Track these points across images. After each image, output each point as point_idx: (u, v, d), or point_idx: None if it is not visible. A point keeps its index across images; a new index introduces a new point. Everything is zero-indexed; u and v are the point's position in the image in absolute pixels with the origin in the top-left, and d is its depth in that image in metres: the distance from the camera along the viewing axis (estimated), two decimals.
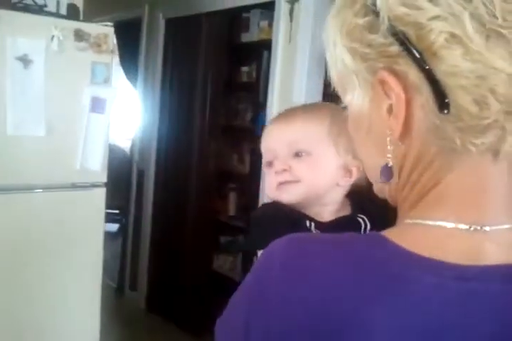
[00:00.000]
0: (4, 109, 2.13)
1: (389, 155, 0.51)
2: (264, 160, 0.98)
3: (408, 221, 0.50)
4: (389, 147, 0.50)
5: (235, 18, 3.43)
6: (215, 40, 3.39)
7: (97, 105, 2.30)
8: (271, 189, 0.94)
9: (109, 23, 2.33)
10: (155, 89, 3.69)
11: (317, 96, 2.61)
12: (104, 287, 2.65)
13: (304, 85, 2.57)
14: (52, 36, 2.16)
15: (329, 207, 0.95)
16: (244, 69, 3.46)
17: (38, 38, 2.17)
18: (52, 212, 2.30)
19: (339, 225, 0.92)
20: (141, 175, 3.82)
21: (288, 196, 0.92)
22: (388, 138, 0.50)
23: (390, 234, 0.49)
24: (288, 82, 2.67)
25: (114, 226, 5.14)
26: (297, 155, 0.93)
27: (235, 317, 0.51)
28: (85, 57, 2.28)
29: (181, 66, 3.61)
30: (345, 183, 0.95)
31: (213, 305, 3.42)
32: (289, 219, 0.89)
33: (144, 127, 3.79)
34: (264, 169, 0.98)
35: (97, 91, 2.30)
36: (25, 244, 2.26)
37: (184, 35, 3.58)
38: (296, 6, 2.65)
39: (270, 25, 3.06)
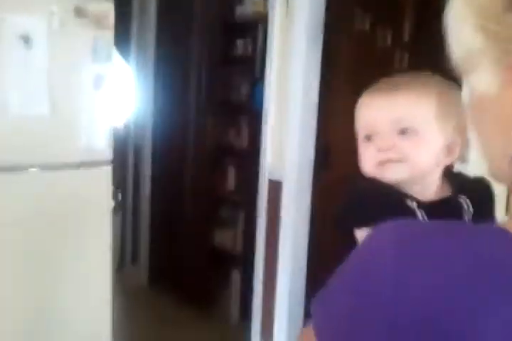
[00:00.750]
0: (6, 88, 2.11)
1: None
2: (361, 133, 0.92)
3: None
4: None
5: None
6: (209, 13, 3.34)
7: (99, 82, 2.28)
8: (371, 166, 0.90)
9: None
10: (148, 65, 3.65)
11: (316, 68, 2.60)
12: None
13: (303, 58, 2.55)
14: (53, 13, 2.12)
15: (430, 186, 0.91)
16: (240, 42, 3.42)
17: (38, 15, 2.13)
18: (59, 192, 2.30)
19: (442, 206, 0.89)
20: (137, 151, 3.81)
21: (391, 175, 0.88)
22: None
23: (510, 226, 0.45)
24: (285, 55, 2.64)
25: None
26: (402, 132, 0.88)
27: (338, 307, 0.48)
28: (87, 34, 2.25)
29: (175, 41, 3.56)
30: (448, 162, 0.92)
31: (215, 279, 3.46)
32: (391, 197, 0.86)
33: (138, 104, 3.77)
34: (361, 143, 0.92)
35: (99, 68, 2.28)
36: (35, 222, 2.25)
37: (177, 7, 3.53)
38: None
39: None
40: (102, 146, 2.35)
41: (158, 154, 3.68)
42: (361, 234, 0.83)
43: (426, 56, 2.83)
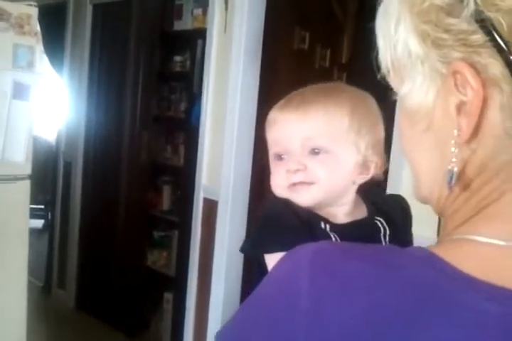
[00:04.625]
0: None
1: (454, 160, 0.44)
2: (271, 152, 0.86)
3: (459, 236, 0.44)
4: (453, 149, 0.44)
5: (167, 4, 3.31)
6: (146, 28, 3.27)
7: (19, 91, 2.13)
8: (281, 188, 0.83)
9: (32, 3, 2.15)
10: (82, 77, 3.52)
11: (253, 86, 2.56)
12: (30, 286, 2.51)
13: (240, 76, 2.52)
14: None
15: (344, 207, 0.86)
16: (178, 58, 3.36)
17: None
18: None
19: (356, 229, 0.83)
20: (67, 167, 3.65)
21: (302, 199, 0.82)
22: (453, 140, 0.44)
23: (437, 250, 0.42)
24: (223, 71, 2.60)
25: (39, 223, 4.91)
26: (313, 152, 0.82)
27: (252, 337, 0.44)
28: (6, 39, 2.11)
29: (110, 54, 3.46)
30: (362, 181, 0.86)
31: (146, 302, 3.33)
32: (301, 220, 0.80)
33: (70, 117, 3.62)
34: (272, 162, 0.86)
35: (19, 76, 2.13)
36: None
37: (113, 21, 3.44)
38: None
39: (204, 13, 2.98)
40: (20, 160, 2.19)
41: (89, 170, 3.53)
42: (272, 260, 0.76)
43: (363, 76, 2.86)
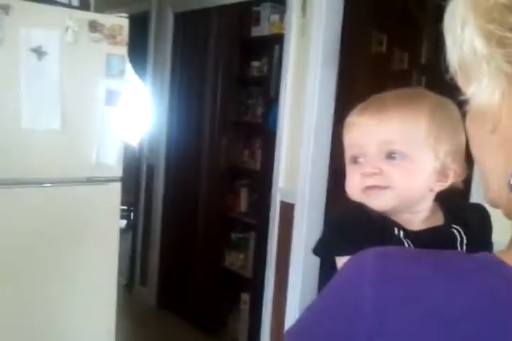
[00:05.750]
0: (19, 102, 2.10)
1: None
2: (347, 155, 0.86)
3: None
4: None
5: (245, 12, 3.39)
6: (225, 35, 3.36)
7: (111, 98, 2.27)
8: (355, 191, 0.83)
9: (124, 15, 2.29)
10: (164, 84, 3.66)
11: (331, 91, 2.58)
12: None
13: (318, 80, 2.54)
14: (67, 27, 2.12)
15: (420, 214, 0.84)
16: (255, 63, 3.43)
17: (52, 29, 2.12)
18: (67, 207, 2.27)
19: (431, 236, 0.81)
20: (150, 170, 3.80)
21: (376, 203, 0.81)
22: None
23: (506, 256, 0.41)
24: (301, 76, 2.63)
25: (122, 223, 5.13)
26: (390, 156, 0.81)
27: (316, 336, 0.45)
28: (100, 49, 2.24)
29: (191, 61, 3.58)
30: (440, 188, 0.84)
31: (224, 301, 3.41)
32: (375, 225, 0.79)
33: (153, 122, 3.77)
34: (348, 165, 0.87)
35: (112, 83, 2.27)
36: (39, 239, 2.23)
37: (193, 29, 3.55)
38: None
39: (281, 19, 3.02)
40: (112, 163, 2.32)
41: (171, 174, 3.66)
42: (343, 263, 0.78)
43: (443, 79, 2.80)
